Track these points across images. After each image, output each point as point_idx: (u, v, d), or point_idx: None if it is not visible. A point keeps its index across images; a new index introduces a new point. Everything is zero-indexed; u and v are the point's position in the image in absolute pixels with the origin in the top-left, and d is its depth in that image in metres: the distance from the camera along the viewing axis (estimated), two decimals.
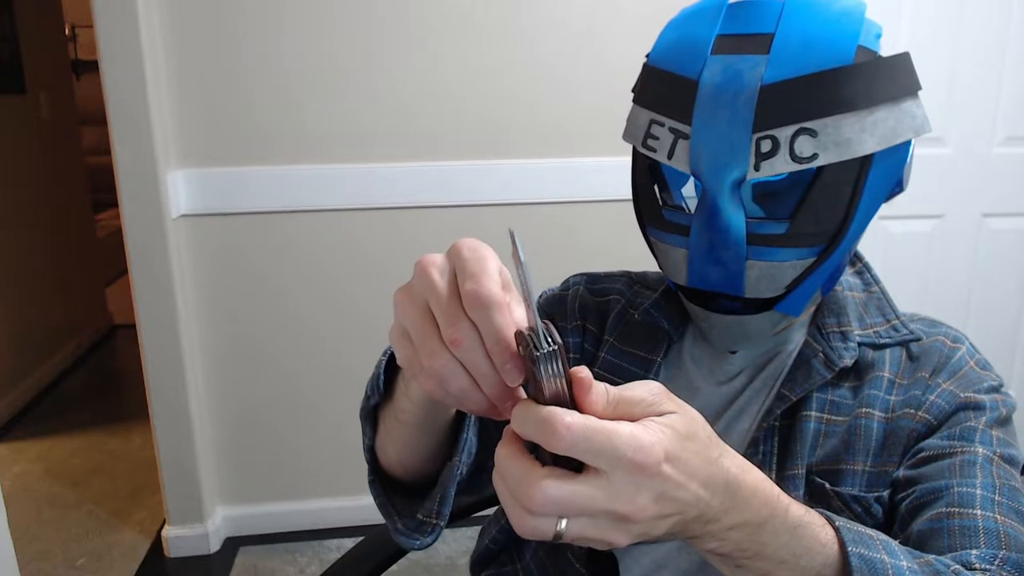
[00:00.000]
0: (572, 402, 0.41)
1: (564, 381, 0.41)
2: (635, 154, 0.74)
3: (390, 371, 0.61)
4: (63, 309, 3.33)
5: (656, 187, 0.73)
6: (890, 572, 0.49)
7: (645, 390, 0.43)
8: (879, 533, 0.52)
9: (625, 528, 0.41)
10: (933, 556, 0.54)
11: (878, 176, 0.64)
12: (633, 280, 0.87)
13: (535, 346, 0.40)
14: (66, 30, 3.62)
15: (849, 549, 0.49)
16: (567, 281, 0.89)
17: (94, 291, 3.73)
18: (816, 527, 0.49)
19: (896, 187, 0.68)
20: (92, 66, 2.19)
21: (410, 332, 0.44)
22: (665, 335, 0.79)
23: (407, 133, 1.95)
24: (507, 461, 0.41)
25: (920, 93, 0.67)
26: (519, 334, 0.41)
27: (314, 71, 1.88)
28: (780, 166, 0.62)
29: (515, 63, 1.94)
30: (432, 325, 0.42)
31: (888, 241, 2.20)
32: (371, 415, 0.63)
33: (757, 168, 0.62)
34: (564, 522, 0.40)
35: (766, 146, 0.61)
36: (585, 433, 0.39)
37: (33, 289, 3.07)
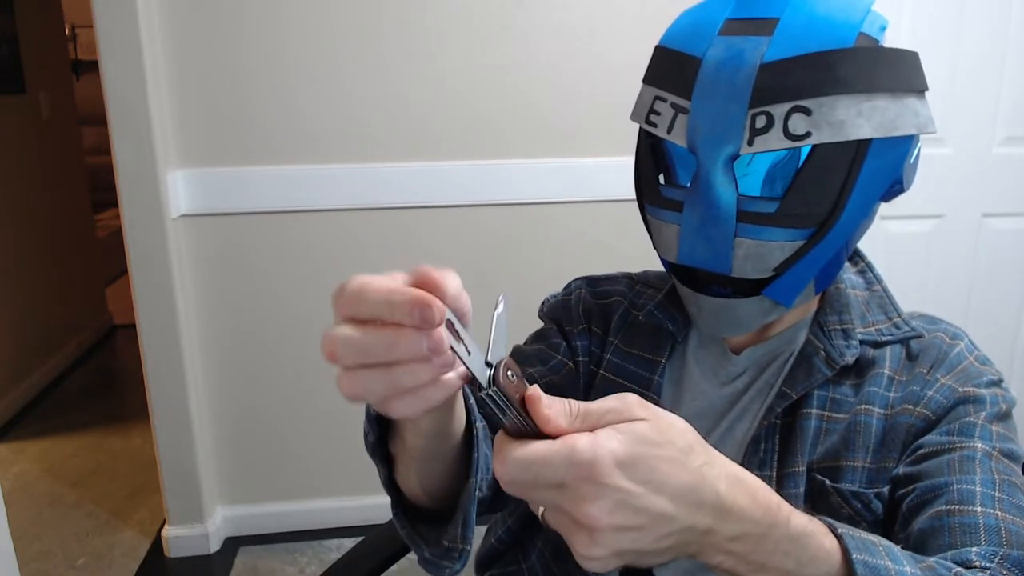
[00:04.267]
0: (536, 427, 0.42)
1: (515, 412, 0.41)
2: (640, 133, 0.75)
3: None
4: (63, 309, 3.33)
5: (656, 167, 0.74)
6: None
7: (616, 400, 0.43)
8: (882, 539, 0.52)
9: (590, 537, 0.40)
10: (935, 559, 0.54)
11: (875, 167, 0.64)
12: (634, 280, 0.87)
13: (478, 388, 0.41)
14: (66, 30, 3.61)
15: (853, 556, 0.48)
16: (568, 286, 0.89)
17: (94, 291, 3.72)
18: (820, 536, 0.49)
19: (896, 185, 0.68)
20: (92, 66, 2.19)
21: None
22: (669, 336, 0.79)
23: (407, 133, 1.95)
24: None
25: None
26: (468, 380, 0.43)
27: (314, 71, 1.88)
28: (773, 142, 0.62)
29: (515, 63, 1.94)
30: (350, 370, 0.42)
31: (888, 241, 2.20)
32: (377, 451, 0.62)
33: (750, 143, 0.63)
34: (541, 509, 0.42)
35: (761, 122, 0.62)
36: (520, 465, 0.40)
37: (33, 289, 3.07)
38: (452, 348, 0.40)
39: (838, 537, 0.50)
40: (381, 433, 0.60)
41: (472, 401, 0.60)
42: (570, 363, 0.82)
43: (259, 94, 1.88)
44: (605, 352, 0.82)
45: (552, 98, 1.97)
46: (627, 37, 1.95)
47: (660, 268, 0.82)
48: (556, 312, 0.86)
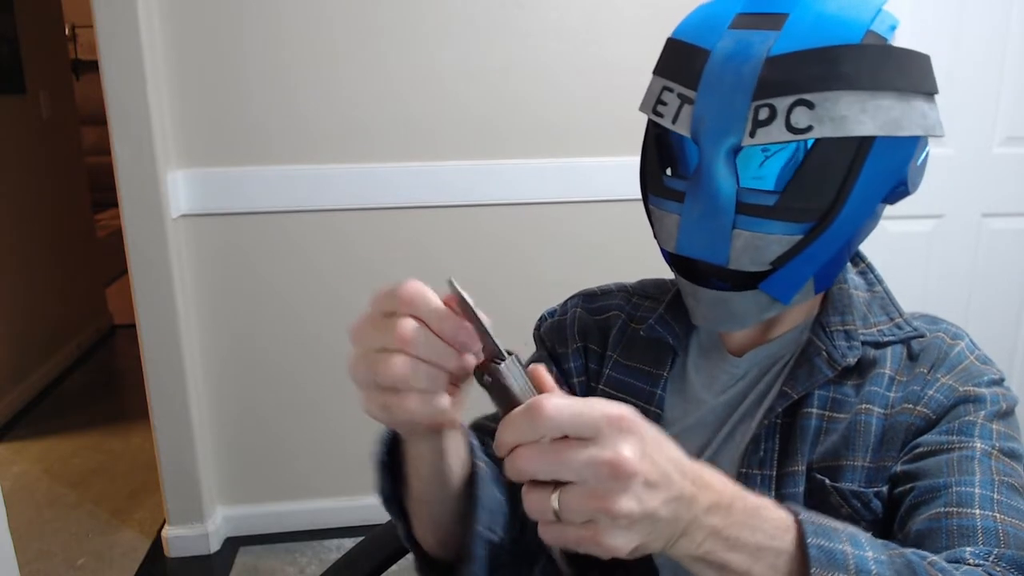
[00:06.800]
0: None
1: (530, 385, 0.47)
2: (647, 124, 0.75)
3: (393, 462, 0.63)
4: (63, 309, 3.33)
5: (661, 158, 0.74)
6: (851, 562, 0.49)
7: (593, 399, 0.47)
8: (848, 526, 0.53)
9: (623, 487, 0.42)
10: (910, 550, 0.54)
11: (878, 166, 0.64)
12: (630, 292, 0.87)
13: (498, 359, 0.46)
14: (66, 30, 3.62)
15: (808, 540, 0.49)
16: (565, 305, 0.88)
17: (94, 291, 3.73)
18: (771, 507, 0.50)
19: (900, 187, 0.68)
20: (92, 66, 2.19)
21: (373, 375, 0.47)
22: (670, 349, 0.79)
23: (407, 133, 1.95)
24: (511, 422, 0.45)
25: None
26: (478, 367, 0.48)
27: (314, 71, 1.88)
28: (775, 135, 0.63)
29: (515, 63, 1.94)
30: (383, 354, 0.46)
31: (888, 241, 2.20)
32: (394, 509, 0.64)
33: (752, 135, 0.63)
34: (556, 497, 0.43)
35: (763, 114, 0.63)
36: (571, 409, 0.43)
37: (33, 289, 3.07)
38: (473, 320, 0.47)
39: (798, 522, 0.50)
40: (394, 484, 0.63)
41: (474, 441, 0.64)
42: (565, 388, 0.82)
43: (259, 94, 1.88)
44: (604, 367, 0.82)
45: (552, 98, 1.97)
46: (627, 37, 1.95)
47: (657, 272, 0.82)
48: (551, 335, 0.86)
